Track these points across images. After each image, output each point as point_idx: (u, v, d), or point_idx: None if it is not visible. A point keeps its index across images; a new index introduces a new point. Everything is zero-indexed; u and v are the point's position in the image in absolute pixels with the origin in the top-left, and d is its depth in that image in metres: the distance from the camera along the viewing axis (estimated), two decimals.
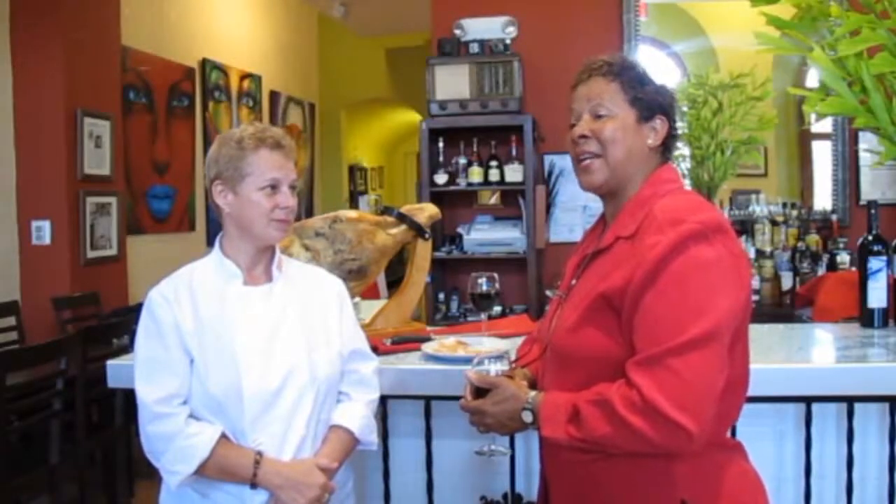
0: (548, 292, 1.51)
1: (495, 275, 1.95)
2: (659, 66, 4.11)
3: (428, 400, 1.92)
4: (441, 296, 4.00)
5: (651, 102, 1.34)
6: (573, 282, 1.39)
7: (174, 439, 1.44)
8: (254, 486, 1.45)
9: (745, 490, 1.30)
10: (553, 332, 1.37)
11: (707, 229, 1.20)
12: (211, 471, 1.45)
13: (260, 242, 1.54)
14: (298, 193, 1.58)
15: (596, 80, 1.36)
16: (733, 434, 1.60)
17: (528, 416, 1.30)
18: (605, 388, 1.21)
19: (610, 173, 1.33)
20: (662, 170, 1.36)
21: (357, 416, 1.60)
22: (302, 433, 1.51)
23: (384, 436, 1.94)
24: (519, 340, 1.72)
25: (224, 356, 1.47)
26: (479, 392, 1.38)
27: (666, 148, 1.37)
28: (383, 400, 1.91)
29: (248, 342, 1.49)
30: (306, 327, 1.56)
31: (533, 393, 1.32)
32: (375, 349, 1.93)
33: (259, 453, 1.46)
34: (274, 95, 7.13)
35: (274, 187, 1.50)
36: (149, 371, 1.48)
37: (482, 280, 1.93)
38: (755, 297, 3.56)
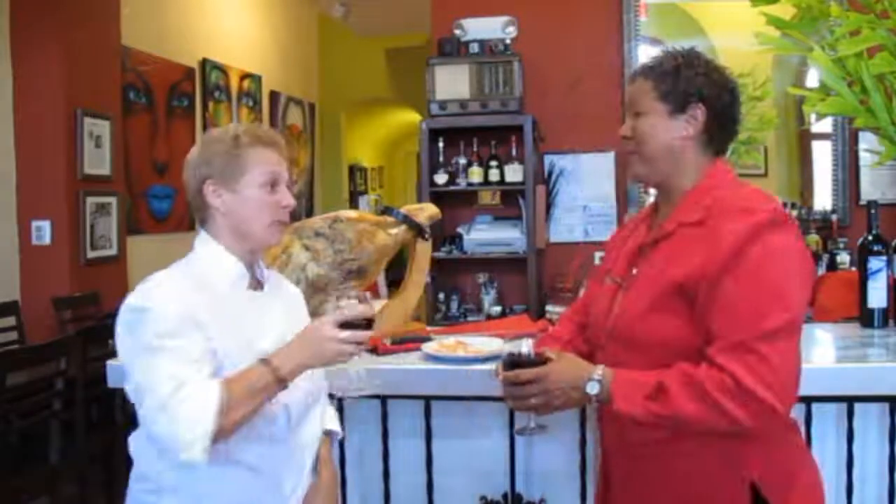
0: (606, 280, 1.49)
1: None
2: None
3: (428, 400, 1.91)
4: (441, 296, 4.00)
5: (683, 93, 1.36)
6: (633, 270, 1.41)
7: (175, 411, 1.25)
8: (284, 385, 1.33)
9: (805, 466, 1.37)
10: (616, 318, 1.39)
11: (778, 218, 1.26)
12: (238, 401, 1.28)
13: (256, 244, 1.48)
14: (298, 193, 1.57)
15: (636, 81, 1.43)
16: None
17: (593, 387, 1.29)
18: (691, 370, 1.23)
19: (648, 166, 1.40)
20: (718, 162, 1.40)
21: (331, 415, 1.61)
22: (312, 445, 1.50)
23: (384, 436, 1.94)
24: (519, 341, 1.71)
25: (227, 359, 1.45)
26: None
27: (711, 137, 1.38)
28: (383, 400, 1.91)
29: (252, 346, 1.46)
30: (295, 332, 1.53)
31: (599, 367, 1.32)
32: (375, 349, 1.93)
33: (261, 358, 1.34)
34: (274, 95, 7.13)
35: (273, 184, 1.45)
36: None
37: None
38: None
